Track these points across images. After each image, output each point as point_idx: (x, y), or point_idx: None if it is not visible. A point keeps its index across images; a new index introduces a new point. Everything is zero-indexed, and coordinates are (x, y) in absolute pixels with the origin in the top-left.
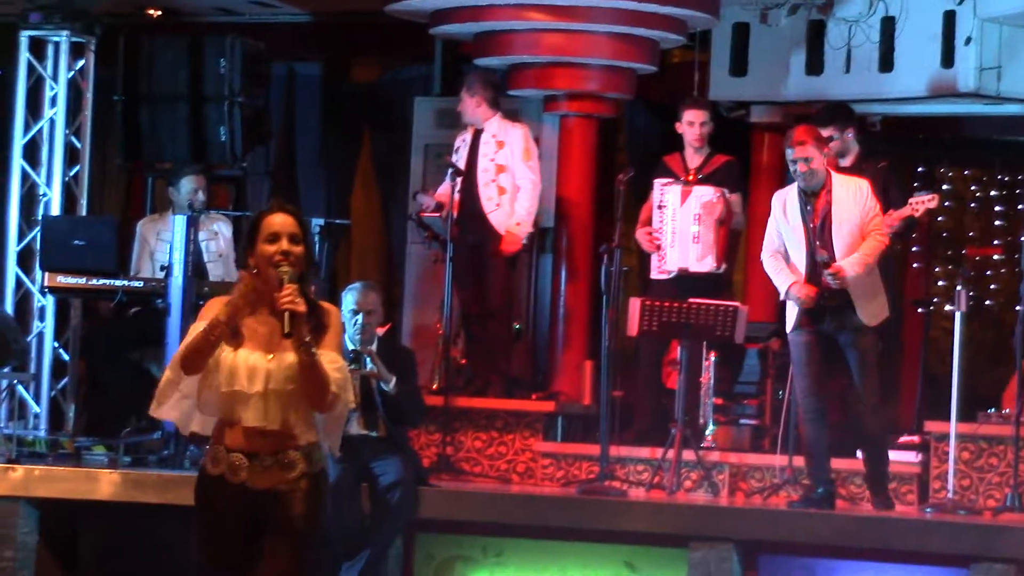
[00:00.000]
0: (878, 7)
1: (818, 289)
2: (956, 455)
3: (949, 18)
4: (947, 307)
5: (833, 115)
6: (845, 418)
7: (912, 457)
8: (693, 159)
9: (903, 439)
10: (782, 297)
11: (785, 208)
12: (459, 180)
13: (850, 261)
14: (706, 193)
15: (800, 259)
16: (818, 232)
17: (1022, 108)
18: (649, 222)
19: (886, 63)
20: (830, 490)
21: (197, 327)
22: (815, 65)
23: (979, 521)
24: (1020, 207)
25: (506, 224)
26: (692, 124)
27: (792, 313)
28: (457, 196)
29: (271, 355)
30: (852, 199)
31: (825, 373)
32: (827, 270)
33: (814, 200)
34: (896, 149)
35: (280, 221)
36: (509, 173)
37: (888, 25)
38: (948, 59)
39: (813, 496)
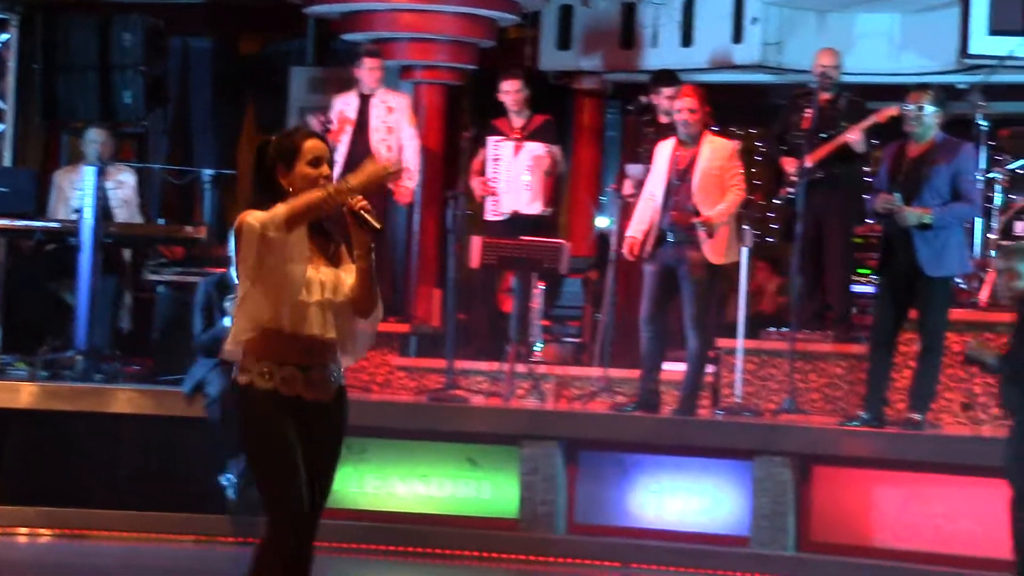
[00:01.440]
0: None
1: (641, 246)
2: (742, 366)
3: (738, 0)
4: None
5: (658, 79)
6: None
7: (707, 368)
8: (516, 120)
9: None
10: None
11: (658, 154)
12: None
13: (718, 211)
14: (536, 148)
15: (658, 196)
16: (681, 176)
17: (799, 77)
18: (480, 173)
19: (687, 39)
20: (656, 399)
21: (252, 216)
22: (628, 41)
23: (761, 421)
24: None
25: None
26: (508, 92)
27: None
28: (345, 150)
29: (324, 268)
30: (718, 156)
31: (666, 299)
32: (698, 219)
33: (685, 150)
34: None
35: (320, 146)
36: (395, 134)
37: (688, 6)
38: (738, 35)
39: (642, 401)
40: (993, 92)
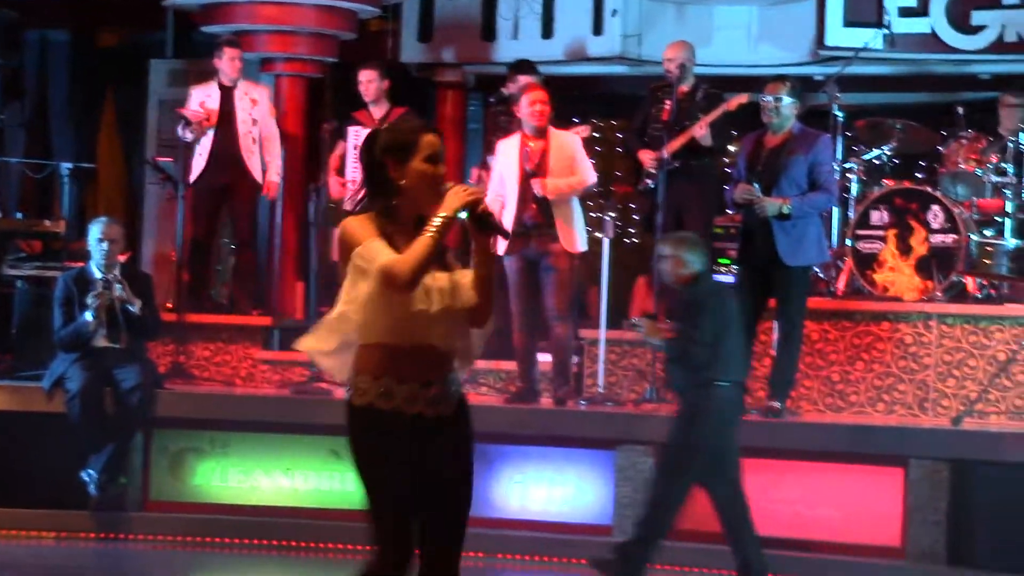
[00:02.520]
0: None
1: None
2: (605, 356)
3: None
4: (596, 234)
5: (516, 69)
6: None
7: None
8: (376, 112)
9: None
10: None
11: (506, 150)
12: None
13: (554, 184)
14: None
15: (513, 192)
16: (536, 171)
17: (659, 69)
18: (338, 168)
19: (547, 31)
20: (535, 388)
21: (373, 242)
22: (488, 33)
23: (623, 411)
24: None
25: (256, 170)
26: (365, 83)
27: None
28: (209, 142)
29: (439, 273)
30: (568, 149)
31: (531, 292)
32: (535, 181)
33: (535, 146)
34: (556, 104)
35: (436, 142)
36: (260, 126)
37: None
38: (598, 28)
39: (522, 393)
40: (849, 83)
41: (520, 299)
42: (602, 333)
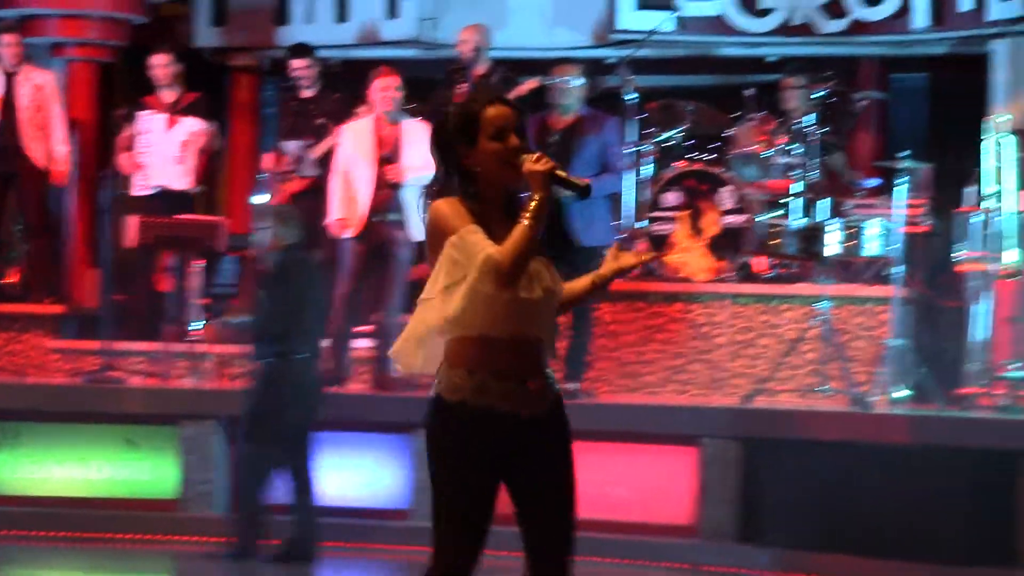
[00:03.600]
0: None
1: (346, 223)
2: None
3: None
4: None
5: (293, 53)
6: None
7: (367, 343)
8: (167, 96)
9: (358, 328)
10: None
11: (359, 136)
12: None
13: (409, 167)
14: (194, 124)
15: (365, 177)
16: (388, 156)
17: (455, 52)
18: (128, 149)
19: (341, 15)
20: (344, 374)
21: (471, 233)
22: (282, 17)
23: (420, 395)
24: None
25: (42, 157)
26: (156, 67)
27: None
28: None
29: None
30: (416, 135)
31: (366, 277)
32: (388, 167)
33: (389, 131)
34: (353, 86)
35: (504, 112)
36: (44, 113)
37: None
38: (392, 11)
39: (331, 377)
40: (641, 66)
41: (351, 283)
42: (399, 317)
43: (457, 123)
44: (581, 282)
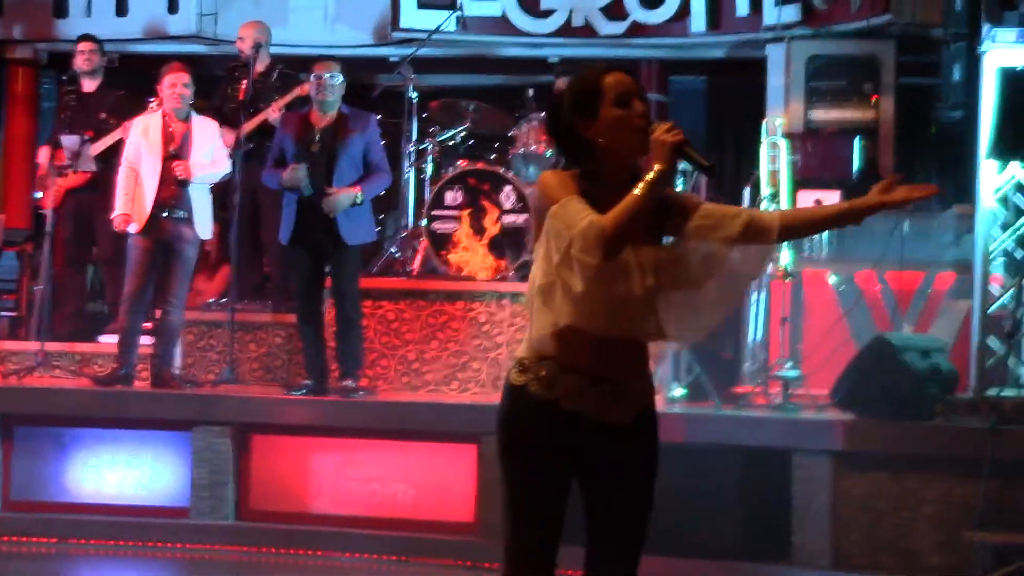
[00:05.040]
0: None
1: (130, 219)
2: (182, 338)
3: None
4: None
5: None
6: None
7: (146, 340)
8: None
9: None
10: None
11: (148, 131)
12: None
13: (196, 165)
14: None
15: (152, 172)
16: (176, 152)
17: (235, 48)
18: None
19: (121, 9)
20: (131, 372)
21: (573, 201)
22: (61, 10)
23: (200, 392)
24: None
25: None
26: None
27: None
28: None
29: (649, 248)
30: (206, 133)
31: (152, 274)
32: (176, 163)
33: (178, 127)
34: (133, 81)
35: (624, 80)
36: None
37: None
38: (173, 6)
39: (117, 375)
40: (423, 65)
41: (138, 279)
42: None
43: (575, 97)
44: (837, 206)
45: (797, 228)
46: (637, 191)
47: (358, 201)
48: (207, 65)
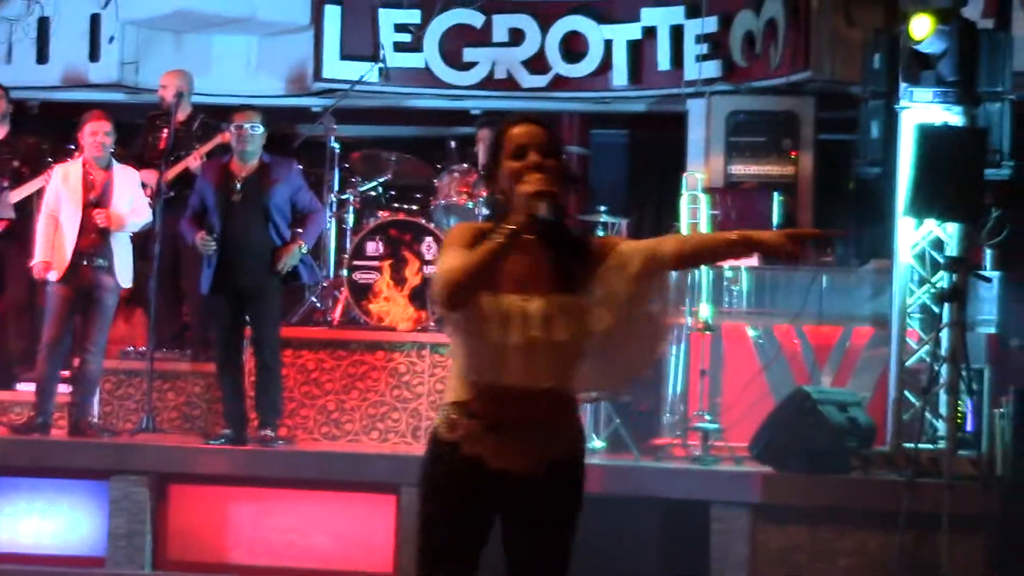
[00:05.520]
0: (35, 8)
1: (50, 266)
2: (100, 386)
3: (95, 19)
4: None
5: None
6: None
7: (64, 388)
8: None
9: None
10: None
11: (68, 178)
12: None
13: (117, 213)
14: None
15: (73, 220)
16: (97, 200)
17: (157, 97)
18: None
19: (42, 56)
20: (48, 420)
21: (445, 251)
22: None
23: (118, 441)
24: None
25: None
26: None
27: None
28: None
29: (532, 297)
30: (130, 181)
31: (71, 322)
32: (97, 211)
33: (99, 175)
34: (50, 130)
35: (526, 131)
36: None
37: (43, 23)
38: (94, 54)
39: (35, 424)
40: (346, 115)
41: (57, 327)
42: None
43: (489, 147)
44: (734, 234)
45: (695, 255)
46: (491, 242)
47: (304, 250)
48: (128, 113)
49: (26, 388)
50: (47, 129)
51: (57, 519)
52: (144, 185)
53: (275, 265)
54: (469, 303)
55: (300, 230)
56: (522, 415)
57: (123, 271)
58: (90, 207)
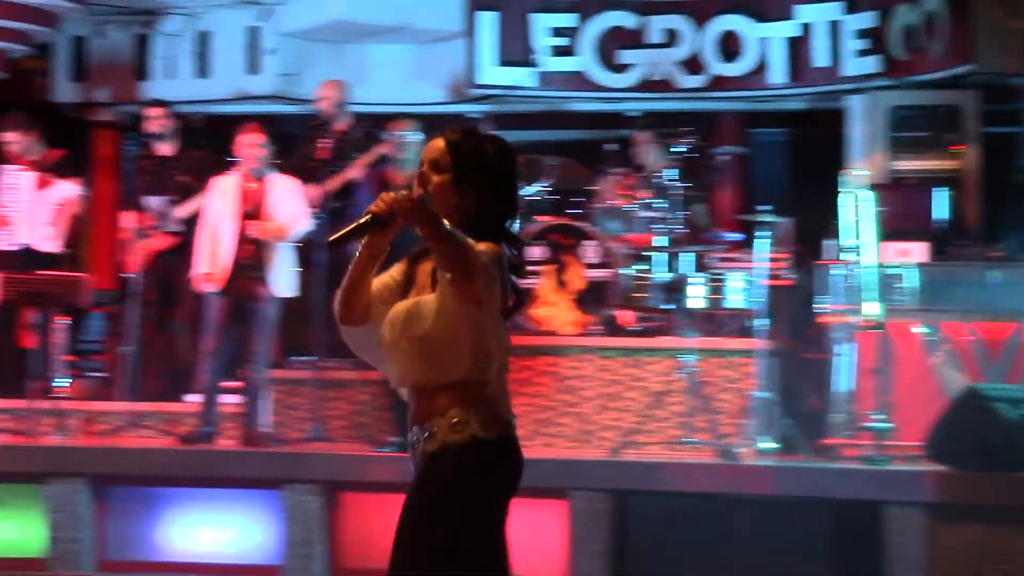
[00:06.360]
0: (194, 23)
1: (209, 278)
2: (270, 395)
3: (253, 32)
4: None
5: (152, 101)
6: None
7: (235, 399)
8: (30, 155)
9: (226, 384)
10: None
11: (225, 191)
12: None
13: (272, 224)
14: (68, 189)
15: (229, 231)
16: (252, 211)
17: (314, 108)
18: None
19: (203, 70)
20: (213, 430)
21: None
22: (144, 72)
23: (289, 450)
24: None
25: None
26: (11, 142)
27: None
28: None
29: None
30: (282, 191)
31: (232, 332)
32: (251, 222)
33: (254, 186)
34: (214, 142)
35: (429, 145)
36: None
37: (203, 38)
38: (254, 66)
39: (200, 434)
40: (503, 121)
41: (217, 338)
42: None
43: None
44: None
45: None
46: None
47: None
48: (289, 124)
49: (195, 399)
50: (212, 142)
51: (232, 528)
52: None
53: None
54: (358, 315)
55: None
56: (412, 414)
57: (282, 281)
58: (246, 218)
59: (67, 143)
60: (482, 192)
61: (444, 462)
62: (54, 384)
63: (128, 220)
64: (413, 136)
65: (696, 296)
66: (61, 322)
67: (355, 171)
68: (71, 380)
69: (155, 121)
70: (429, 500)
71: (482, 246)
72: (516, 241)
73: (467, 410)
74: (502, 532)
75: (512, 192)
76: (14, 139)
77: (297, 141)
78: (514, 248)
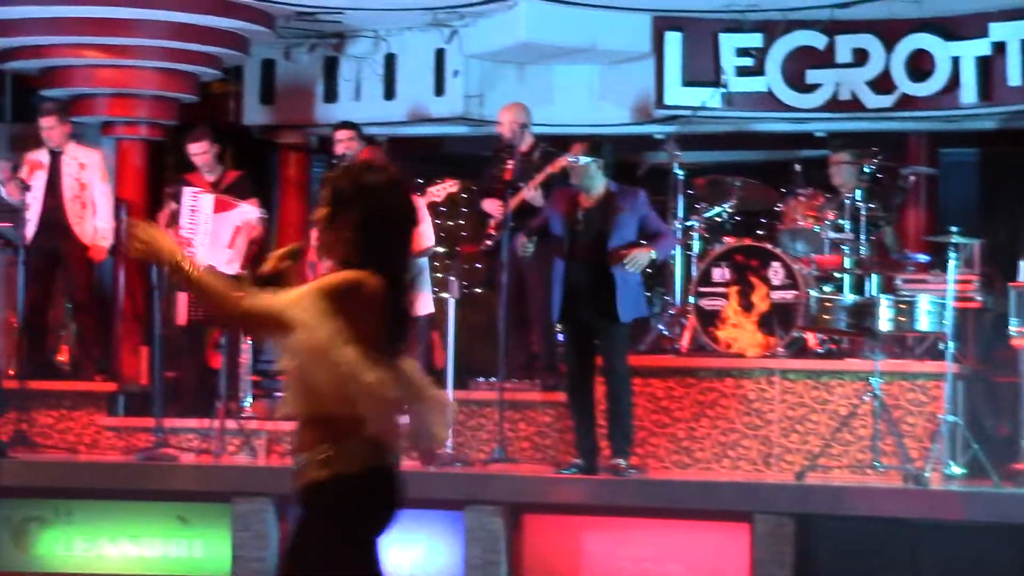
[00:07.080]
0: (381, 46)
1: None
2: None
3: (439, 55)
4: (443, 294)
5: (341, 123)
6: None
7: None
8: (208, 176)
9: None
10: None
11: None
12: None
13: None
14: (249, 212)
15: None
16: None
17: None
18: (168, 226)
19: (389, 92)
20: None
21: None
22: (331, 95)
23: (472, 471)
24: None
25: (88, 234)
26: (196, 155)
27: None
28: (39, 207)
29: None
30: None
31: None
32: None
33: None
34: (401, 164)
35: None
36: (89, 191)
37: (390, 60)
38: (439, 88)
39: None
40: (688, 142)
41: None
42: (449, 393)
43: None
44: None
45: None
46: None
47: (654, 258)
48: (471, 145)
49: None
50: (396, 164)
51: (415, 548)
52: (489, 216)
53: (621, 257)
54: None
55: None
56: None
57: (419, 299)
58: None
59: (256, 165)
60: (361, 224)
61: (312, 497)
62: (242, 404)
63: (314, 241)
64: (585, 159)
65: (884, 318)
66: (247, 342)
67: (528, 191)
68: (257, 400)
69: (343, 143)
70: (300, 533)
71: (337, 277)
72: (401, 272)
73: (334, 446)
74: (371, 564)
75: (399, 221)
76: (198, 151)
77: (480, 163)
78: (399, 280)
